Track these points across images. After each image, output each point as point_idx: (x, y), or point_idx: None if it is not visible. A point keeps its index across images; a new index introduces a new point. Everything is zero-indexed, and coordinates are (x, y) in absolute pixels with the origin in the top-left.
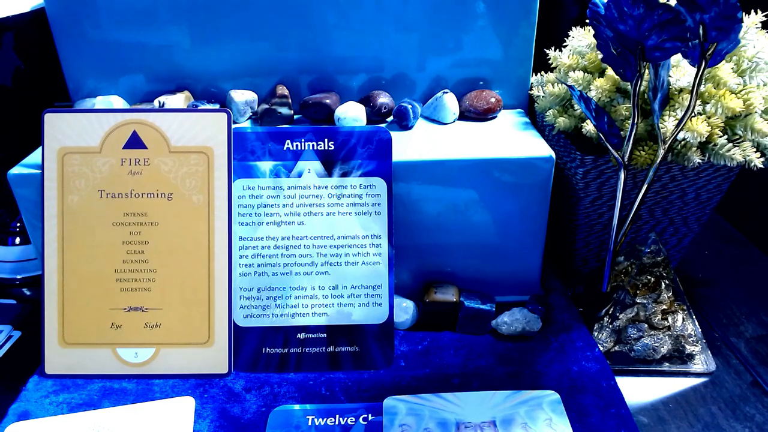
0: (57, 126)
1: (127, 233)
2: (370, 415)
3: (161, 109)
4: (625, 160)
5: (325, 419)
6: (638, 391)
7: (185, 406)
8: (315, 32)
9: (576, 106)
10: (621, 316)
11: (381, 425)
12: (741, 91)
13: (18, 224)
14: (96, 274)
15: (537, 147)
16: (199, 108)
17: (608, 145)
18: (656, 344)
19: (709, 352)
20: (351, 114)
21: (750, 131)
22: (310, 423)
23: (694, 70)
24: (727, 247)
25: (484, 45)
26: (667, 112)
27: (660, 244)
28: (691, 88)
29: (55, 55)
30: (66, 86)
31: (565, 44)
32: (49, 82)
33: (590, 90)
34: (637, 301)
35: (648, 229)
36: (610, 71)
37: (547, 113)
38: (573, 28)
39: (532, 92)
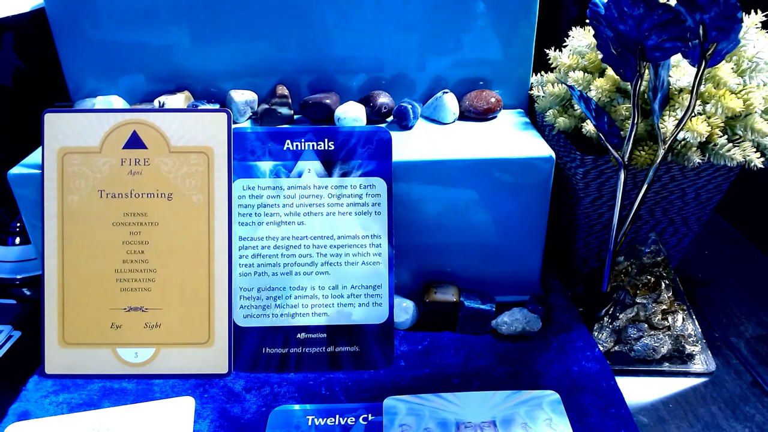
0: (57, 126)
1: (127, 233)
2: (370, 415)
3: (161, 109)
4: (625, 160)
5: (325, 419)
6: (638, 391)
7: (185, 406)
8: (315, 32)
9: (576, 106)
10: (621, 316)
11: (381, 425)
12: (741, 91)
13: (18, 224)
14: (96, 274)
15: (537, 147)
16: (199, 108)
17: (608, 145)
18: (656, 344)
19: (709, 352)
20: (351, 114)
21: (750, 131)
22: (310, 423)
23: (694, 70)
24: (727, 247)
25: (484, 45)
26: (667, 112)
27: (660, 244)
28: (691, 88)
29: (55, 55)
30: (66, 86)
31: (565, 44)
32: (49, 82)
33: (590, 90)
34: (637, 301)
35: (648, 229)
36: (610, 71)
37: (547, 113)
38: (573, 28)
39: (532, 92)
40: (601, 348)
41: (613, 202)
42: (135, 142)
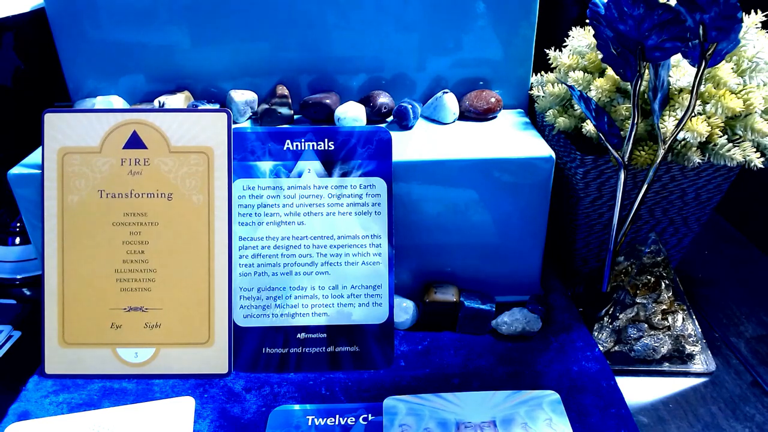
0: (57, 126)
1: (127, 233)
2: (370, 415)
3: (161, 109)
4: (625, 160)
5: (325, 419)
6: (638, 391)
7: (185, 406)
8: (315, 32)
9: (576, 106)
10: (621, 316)
11: (381, 425)
12: (741, 91)
13: (18, 224)
14: (96, 274)
15: (537, 147)
16: (199, 108)
17: (608, 145)
18: (656, 344)
19: (709, 352)
20: (351, 114)
21: (750, 131)
22: (310, 423)
23: (694, 70)
24: (727, 247)
25: (484, 45)
26: (667, 112)
27: (660, 244)
28: (691, 88)
29: (55, 55)
30: (66, 86)
31: (565, 44)
32: (49, 82)
33: (590, 90)
34: (637, 301)
35: (648, 229)
36: (610, 71)
37: (547, 113)
38: (573, 28)
39: (532, 92)
40: (601, 348)
41: (613, 202)
42: (135, 142)
